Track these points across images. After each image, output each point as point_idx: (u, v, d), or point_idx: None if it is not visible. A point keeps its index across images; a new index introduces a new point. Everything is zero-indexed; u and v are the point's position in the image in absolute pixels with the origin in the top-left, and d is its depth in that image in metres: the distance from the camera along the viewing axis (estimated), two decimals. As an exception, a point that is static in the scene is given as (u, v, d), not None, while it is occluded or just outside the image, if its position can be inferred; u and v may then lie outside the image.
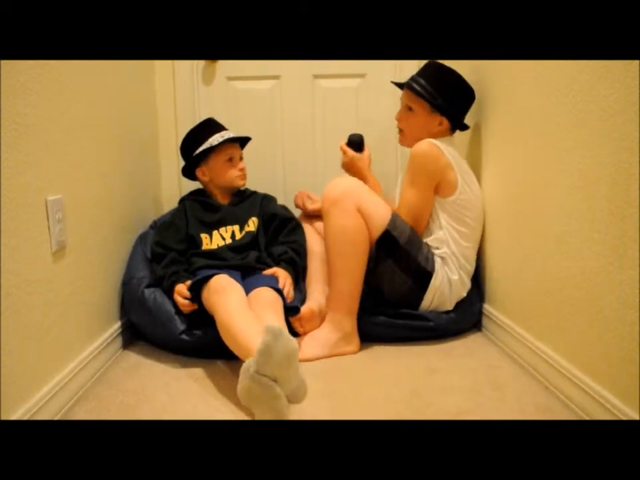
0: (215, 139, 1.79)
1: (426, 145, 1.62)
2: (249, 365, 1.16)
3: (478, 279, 1.79)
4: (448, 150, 1.64)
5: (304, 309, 1.62)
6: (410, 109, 1.71)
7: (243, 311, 1.39)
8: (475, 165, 1.79)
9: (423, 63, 1.78)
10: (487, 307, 1.76)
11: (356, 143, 1.83)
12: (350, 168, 1.83)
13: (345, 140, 1.86)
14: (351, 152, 1.82)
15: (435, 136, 1.68)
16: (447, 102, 1.67)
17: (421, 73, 1.71)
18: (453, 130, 1.74)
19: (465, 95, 1.71)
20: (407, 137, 1.75)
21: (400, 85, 1.74)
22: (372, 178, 1.84)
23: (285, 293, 1.57)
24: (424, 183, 1.63)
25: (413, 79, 1.71)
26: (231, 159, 1.82)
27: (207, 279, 1.51)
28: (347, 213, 1.57)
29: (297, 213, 1.95)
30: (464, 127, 1.77)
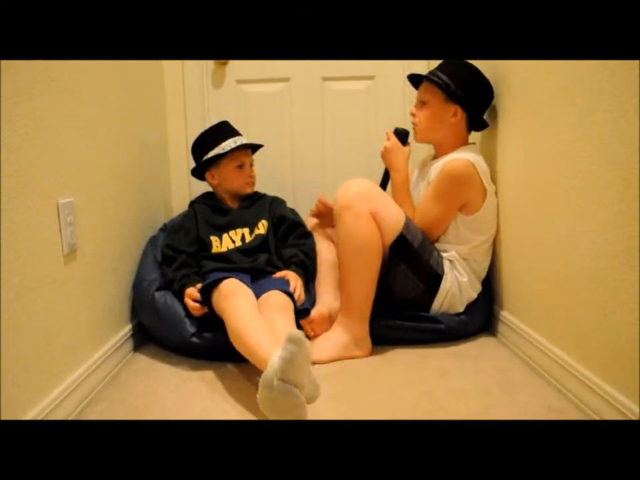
0: (228, 145, 1.79)
1: (462, 164, 1.58)
2: (270, 376, 1.12)
3: (490, 281, 1.78)
4: (482, 168, 1.61)
5: (314, 313, 1.62)
6: (424, 103, 1.69)
7: (253, 316, 1.38)
8: (490, 168, 1.76)
9: (431, 63, 1.77)
10: (498, 310, 1.75)
11: (400, 134, 1.76)
12: (387, 155, 1.73)
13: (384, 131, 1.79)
14: (394, 139, 1.74)
15: (450, 128, 1.67)
16: (462, 90, 1.63)
17: (438, 66, 1.70)
18: (469, 125, 1.71)
19: (482, 88, 1.67)
20: (421, 131, 1.72)
21: (416, 77, 1.73)
22: (407, 174, 1.76)
23: (295, 296, 1.57)
24: (450, 201, 1.62)
25: (429, 72, 1.70)
26: (241, 166, 1.82)
27: (217, 282, 1.52)
28: (360, 217, 1.54)
29: (304, 216, 1.95)
30: (482, 124, 1.73)
